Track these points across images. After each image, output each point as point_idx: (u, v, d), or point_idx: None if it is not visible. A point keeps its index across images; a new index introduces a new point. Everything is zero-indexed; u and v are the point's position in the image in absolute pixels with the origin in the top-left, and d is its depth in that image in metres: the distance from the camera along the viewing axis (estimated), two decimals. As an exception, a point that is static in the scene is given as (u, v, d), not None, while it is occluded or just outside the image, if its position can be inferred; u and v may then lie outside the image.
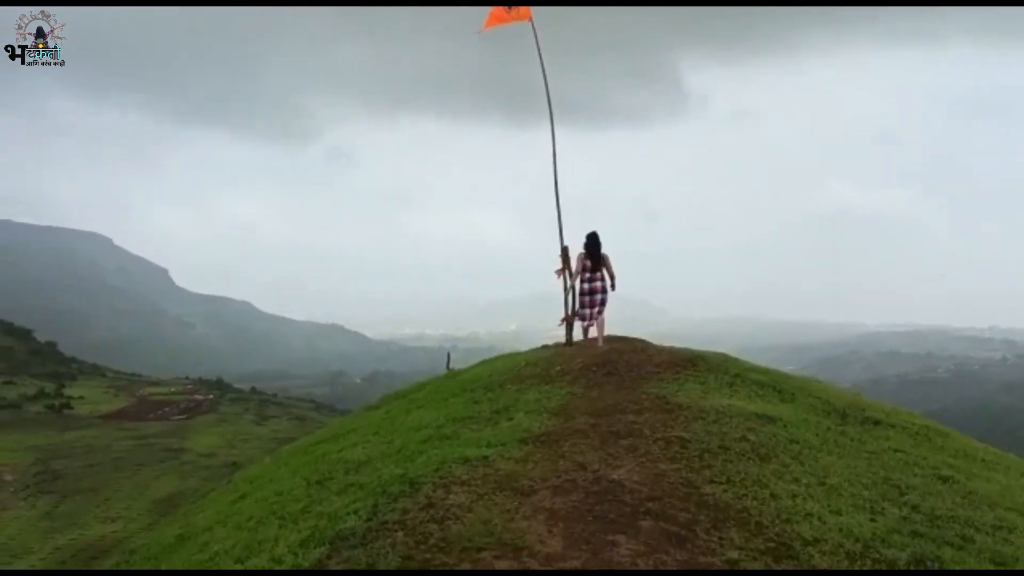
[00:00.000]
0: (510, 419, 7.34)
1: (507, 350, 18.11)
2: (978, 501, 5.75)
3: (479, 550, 4.13)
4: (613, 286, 11.95)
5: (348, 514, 4.92)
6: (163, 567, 6.73)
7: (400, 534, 4.41)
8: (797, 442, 6.59)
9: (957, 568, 4.35)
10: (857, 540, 4.53)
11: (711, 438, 6.34)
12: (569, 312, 12.59)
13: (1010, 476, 7.09)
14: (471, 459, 5.81)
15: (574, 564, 4.02)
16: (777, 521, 4.68)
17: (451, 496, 4.98)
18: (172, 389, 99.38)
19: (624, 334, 13.61)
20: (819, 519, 4.78)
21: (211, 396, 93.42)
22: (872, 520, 4.90)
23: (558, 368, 9.76)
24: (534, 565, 4.00)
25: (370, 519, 4.73)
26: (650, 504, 4.82)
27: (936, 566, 4.33)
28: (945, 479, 6.19)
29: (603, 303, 11.94)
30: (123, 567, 8.41)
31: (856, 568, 4.19)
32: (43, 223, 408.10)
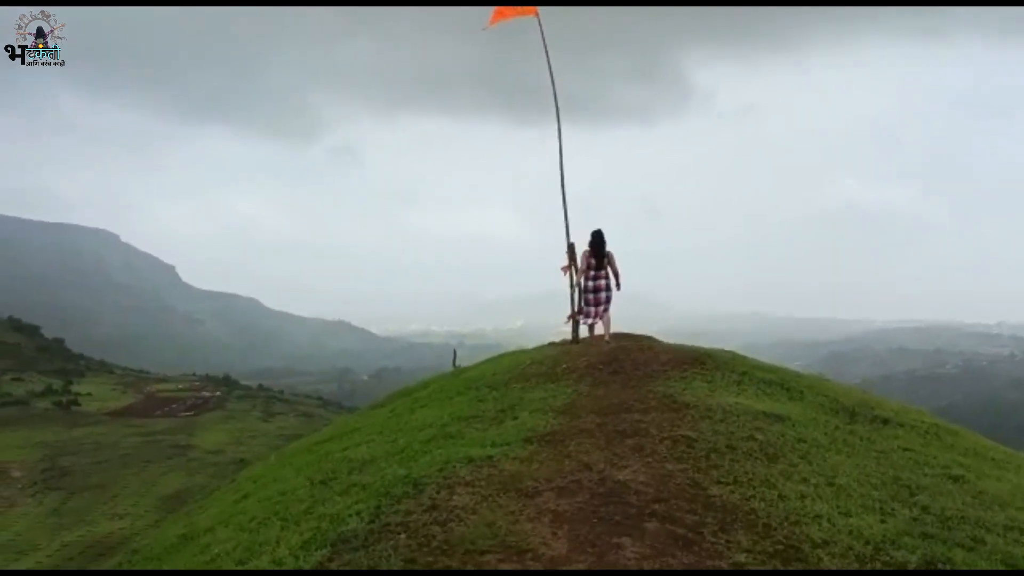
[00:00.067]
0: (515, 418, 7.28)
1: (513, 347, 18.06)
2: (989, 501, 5.66)
3: (482, 553, 4.08)
4: (618, 285, 11.95)
5: (350, 515, 4.87)
6: (165, 568, 6.70)
7: (403, 536, 4.36)
8: (805, 441, 6.52)
9: (968, 569, 4.28)
10: (867, 542, 4.46)
11: (718, 437, 6.27)
12: (575, 309, 12.57)
13: (1021, 475, 6.99)
14: (475, 459, 5.75)
15: (579, 567, 3.96)
16: (785, 523, 4.61)
17: (455, 497, 4.92)
18: (179, 386, 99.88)
19: (630, 331, 13.54)
20: (828, 521, 4.71)
21: (218, 393, 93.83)
22: (882, 521, 4.83)
23: (564, 366, 9.71)
24: (538, 568, 3.94)
25: (373, 521, 4.68)
26: (656, 505, 4.75)
27: (947, 568, 4.26)
28: (956, 479, 6.11)
29: (608, 301, 11.95)
30: (125, 567, 8.39)
31: (867, 569, 4.12)
32: (50, 219, 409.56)
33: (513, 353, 13.27)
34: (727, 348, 11.88)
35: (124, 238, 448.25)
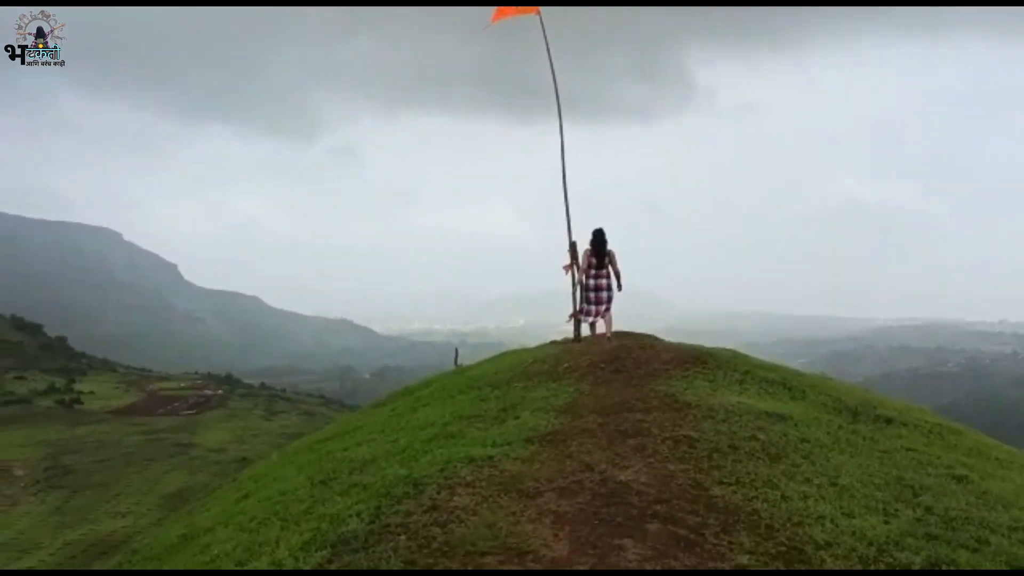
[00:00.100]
0: (516, 417, 7.25)
1: (515, 345, 18.04)
2: (993, 501, 5.62)
3: (483, 554, 4.04)
4: (620, 286, 12.04)
5: (351, 516, 4.84)
6: (165, 568, 6.68)
7: (403, 538, 4.33)
8: (808, 441, 6.47)
9: (972, 569, 4.25)
10: (870, 543, 4.42)
11: (720, 437, 6.23)
12: (577, 308, 12.60)
13: (1026, 475, 6.96)
14: (476, 459, 5.71)
15: (580, 569, 3.92)
16: (788, 524, 4.57)
17: (455, 498, 4.89)
18: (182, 384, 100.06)
19: (631, 329, 13.53)
20: (831, 521, 4.67)
21: (220, 391, 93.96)
22: (886, 522, 4.79)
23: (566, 365, 9.67)
24: (539, 569, 3.91)
25: (373, 521, 4.65)
26: (658, 507, 4.72)
27: (951, 570, 4.23)
28: (959, 479, 6.06)
29: (609, 300, 12.02)
30: (125, 567, 8.37)
31: (871, 569, 4.09)
32: (52, 218, 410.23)
33: (515, 352, 13.25)
34: (728, 346, 11.86)
35: (127, 237, 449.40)
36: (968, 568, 4.27)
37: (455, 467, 5.54)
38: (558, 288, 13.36)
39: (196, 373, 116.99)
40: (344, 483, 5.96)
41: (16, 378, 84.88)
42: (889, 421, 7.87)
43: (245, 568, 4.74)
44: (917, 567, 4.20)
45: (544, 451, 5.94)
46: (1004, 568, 4.37)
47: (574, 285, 12.73)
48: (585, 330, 12.71)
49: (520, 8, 13.06)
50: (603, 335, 12.03)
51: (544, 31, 13.02)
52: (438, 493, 5.00)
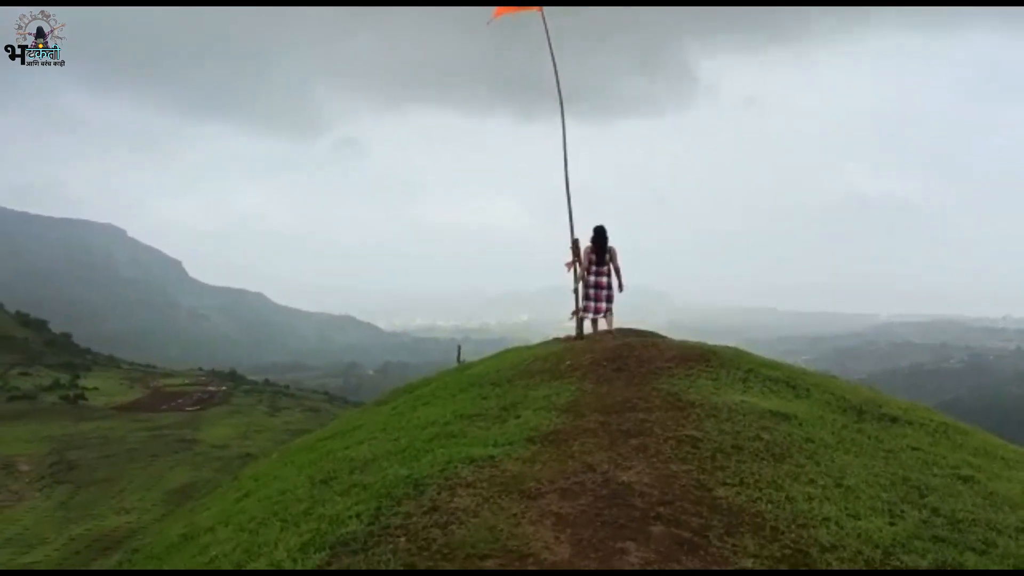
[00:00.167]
0: (518, 416, 7.18)
1: (518, 341, 18.00)
2: (1000, 502, 5.56)
3: (483, 557, 3.99)
4: (620, 287, 12.09)
5: (350, 517, 4.79)
6: (165, 568, 6.64)
7: (402, 539, 4.27)
8: (812, 441, 6.41)
9: (979, 569, 4.19)
10: (876, 546, 4.36)
11: (724, 437, 6.16)
12: (578, 306, 12.60)
13: (1032, 475, 6.89)
14: (477, 459, 5.65)
15: (582, 570, 3.87)
16: (793, 526, 4.52)
17: (456, 499, 4.83)
18: (186, 380, 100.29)
19: (634, 325, 13.50)
20: (837, 523, 4.61)
21: (224, 387, 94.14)
22: (892, 524, 4.73)
23: (568, 363, 9.61)
24: (539, 570, 3.86)
25: (372, 523, 4.59)
26: (661, 508, 4.66)
27: (958, 571, 4.17)
28: (966, 479, 6.00)
29: (610, 299, 12.04)
30: (125, 566, 8.35)
31: (877, 570, 4.03)
32: (57, 215, 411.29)
33: (517, 349, 13.19)
34: (731, 342, 11.80)
35: (131, 233, 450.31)
36: (975, 570, 4.21)
37: (456, 467, 5.48)
38: (561, 284, 13.34)
39: (200, 369, 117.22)
40: (344, 483, 5.91)
41: (21, 374, 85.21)
42: (894, 420, 7.79)
43: (244, 568, 4.69)
44: (924, 570, 4.14)
45: (545, 451, 5.88)
46: (1012, 570, 4.32)
47: (576, 282, 12.72)
48: (588, 327, 12.68)
49: (522, 7, 13.06)
50: (605, 332, 12.02)
51: (546, 26, 13.00)
52: (439, 494, 4.94)
